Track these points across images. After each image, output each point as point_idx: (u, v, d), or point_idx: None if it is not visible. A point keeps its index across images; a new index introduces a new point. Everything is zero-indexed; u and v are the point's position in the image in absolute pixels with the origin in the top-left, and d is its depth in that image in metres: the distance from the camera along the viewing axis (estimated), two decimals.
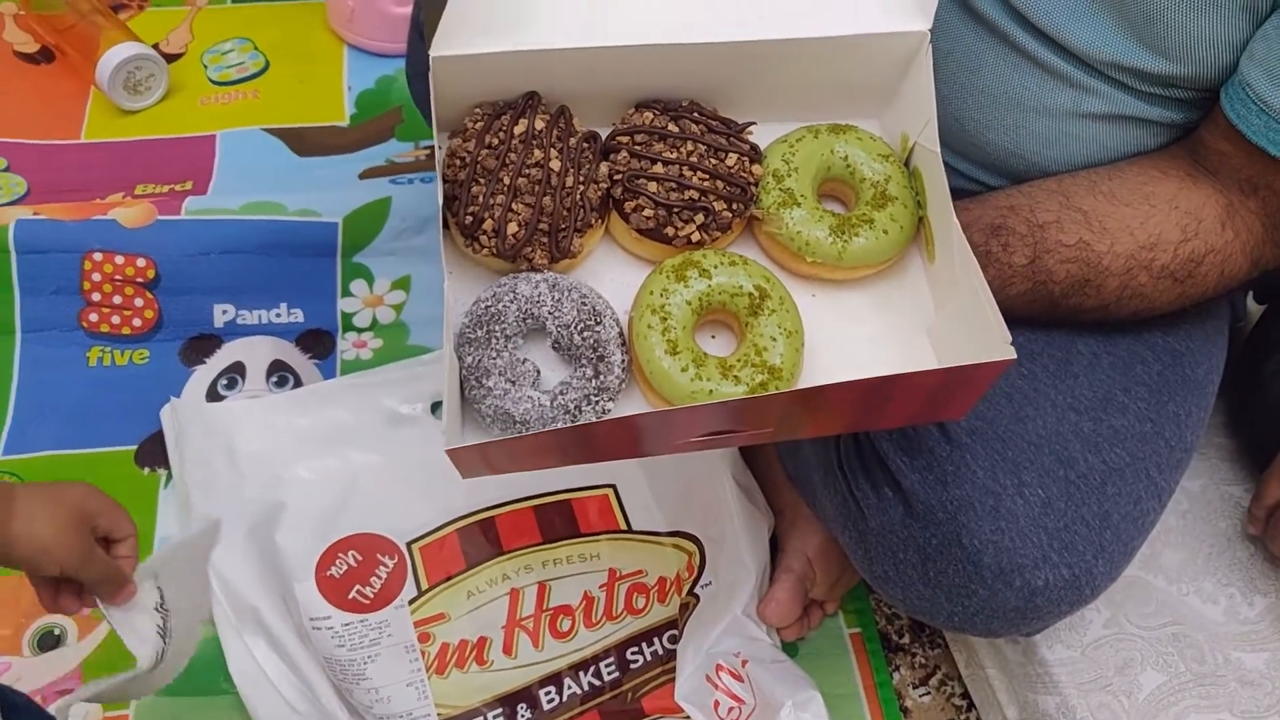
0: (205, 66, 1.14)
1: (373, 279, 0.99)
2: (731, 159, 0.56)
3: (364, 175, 1.03)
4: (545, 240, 0.53)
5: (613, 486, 0.90)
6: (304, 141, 1.08)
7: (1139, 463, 0.67)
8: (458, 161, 0.54)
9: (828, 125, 0.60)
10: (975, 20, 0.67)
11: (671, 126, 0.57)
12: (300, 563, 0.82)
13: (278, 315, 0.95)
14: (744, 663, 0.76)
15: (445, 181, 0.54)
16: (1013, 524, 0.63)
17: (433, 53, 0.52)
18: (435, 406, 0.92)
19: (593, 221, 0.55)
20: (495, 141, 0.54)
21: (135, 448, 0.87)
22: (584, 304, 0.53)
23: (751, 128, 0.59)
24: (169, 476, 0.86)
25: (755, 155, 0.58)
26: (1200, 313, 0.72)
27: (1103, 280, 0.66)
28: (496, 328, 0.53)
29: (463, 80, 0.54)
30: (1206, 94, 0.65)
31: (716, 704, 0.75)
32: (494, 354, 0.53)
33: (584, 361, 0.53)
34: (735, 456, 0.87)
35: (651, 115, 0.57)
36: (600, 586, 0.85)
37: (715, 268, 0.54)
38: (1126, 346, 0.70)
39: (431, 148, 1.03)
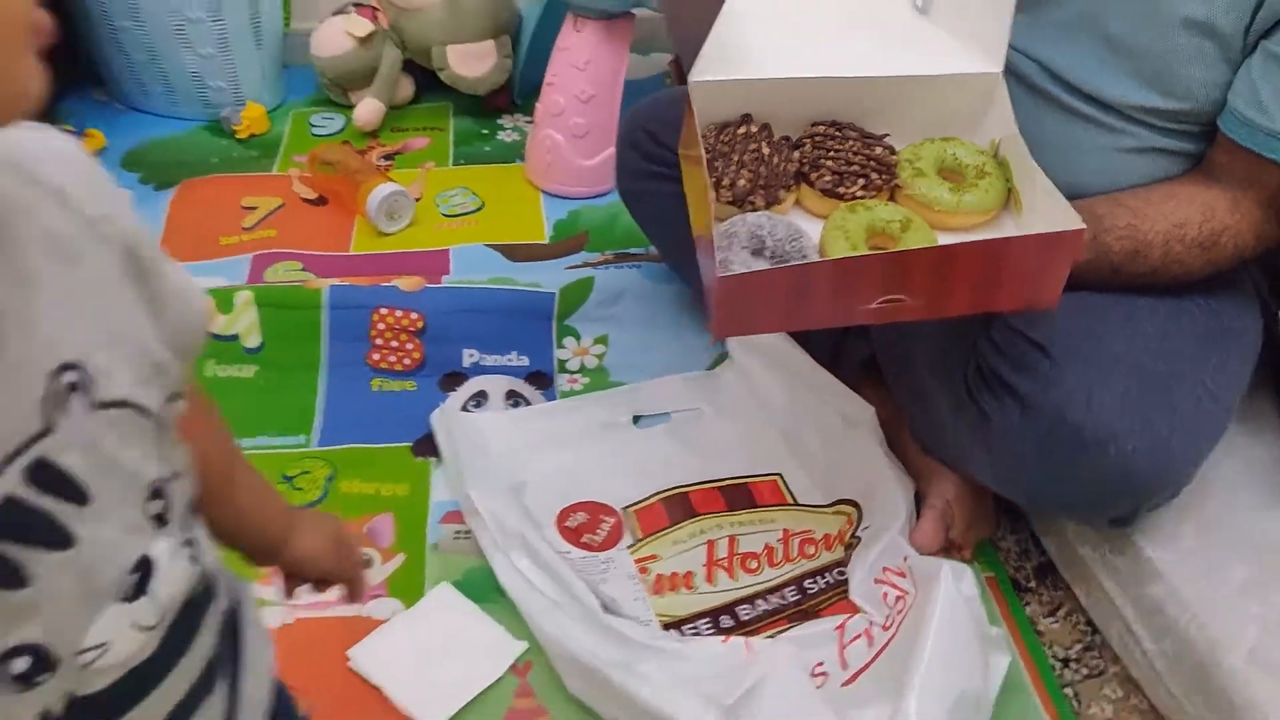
0: (437, 205, 1.53)
1: (580, 336, 1.30)
2: (878, 149, 0.88)
3: (568, 268, 1.38)
4: (762, 191, 0.85)
5: (779, 474, 1.16)
6: (516, 252, 1.44)
7: (1195, 374, 0.92)
8: (707, 148, 0.87)
9: (940, 136, 0.92)
10: (1033, 91, 1.00)
11: (836, 133, 0.89)
12: (544, 516, 1.08)
13: (510, 359, 1.27)
14: (904, 559, 0.98)
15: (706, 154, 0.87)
16: (1102, 407, 0.88)
17: (691, 79, 0.86)
18: (636, 419, 1.21)
19: (789, 184, 0.87)
20: (727, 138, 0.87)
21: (411, 444, 1.17)
22: (790, 226, 0.84)
23: (886, 137, 0.91)
24: (438, 461, 1.15)
25: (892, 150, 0.90)
26: (1227, 284, 0.99)
27: (1148, 250, 0.94)
28: (735, 243, 0.83)
29: (707, 101, 0.87)
30: (1208, 126, 0.95)
31: (885, 595, 0.97)
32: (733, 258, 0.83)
33: (793, 262, 0.82)
34: (880, 436, 1.12)
35: (823, 126, 0.90)
36: (778, 540, 1.09)
37: (875, 207, 0.85)
38: (1174, 303, 0.97)
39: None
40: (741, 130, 0.88)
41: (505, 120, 1.76)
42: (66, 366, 0.37)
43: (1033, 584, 1.07)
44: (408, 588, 1.02)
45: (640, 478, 1.14)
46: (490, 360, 1.26)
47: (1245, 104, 0.89)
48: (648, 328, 1.32)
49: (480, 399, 1.23)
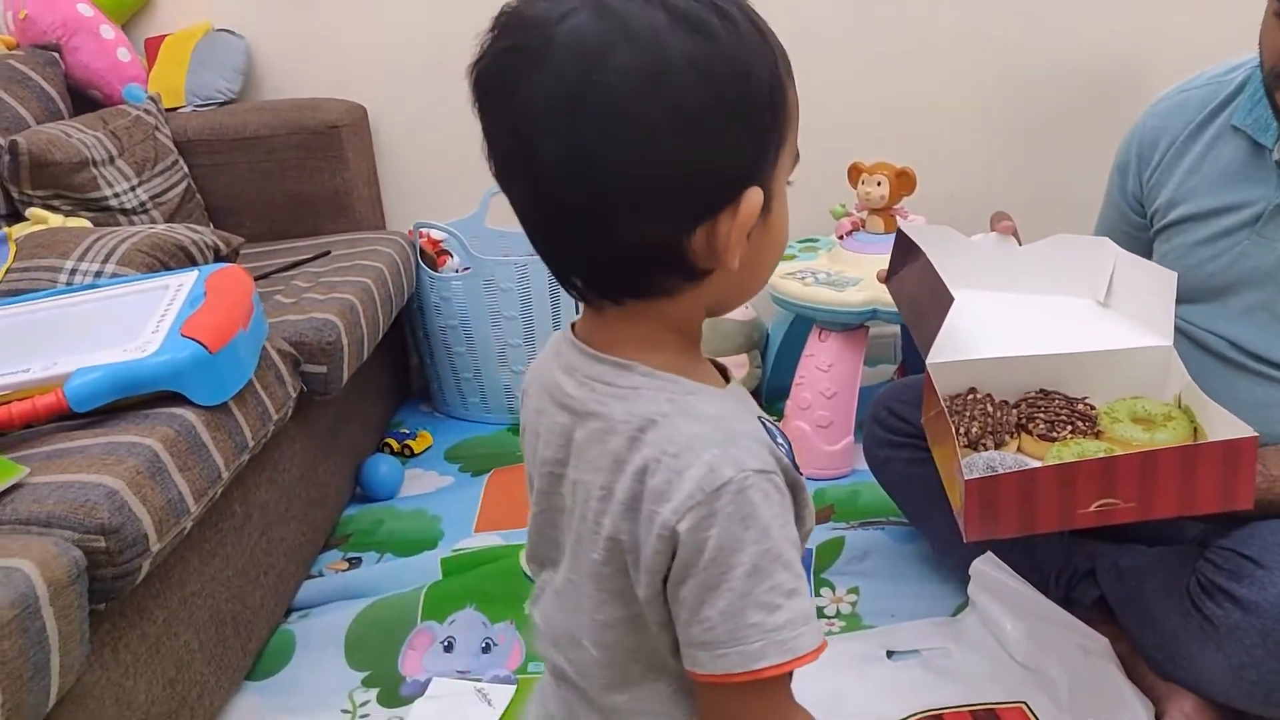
0: None
1: (835, 588, 1.56)
2: (1080, 406, 1.17)
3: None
4: (991, 436, 1.14)
5: (1024, 702, 1.34)
6: None
7: None
8: (948, 412, 1.18)
9: (1130, 396, 1.19)
10: (1225, 362, 1.26)
11: (1044, 397, 1.19)
12: None
13: None
14: None
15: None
16: None
17: (929, 361, 1.19)
18: (889, 653, 1.43)
19: (1013, 432, 1.16)
20: (959, 403, 1.18)
21: None
22: (1017, 458, 1.12)
23: (1086, 398, 1.20)
24: None
25: (1092, 406, 1.18)
26: None
27: None
28: (974, 470, 1.11)
29: (941, 378, 1.20)
30: None
31: None
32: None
33: None
34: (1117, 663, 1.30)
35: (1033, 394, 1.20)
36: None
37: (1085, 443, 1.13)
38: None
39: None
40: (970, 396, 1.20)
41: (731, 374, 2.12)
42: None
43: None
44: None
45: (895, 701, 1.35)
46: None
47: None
48: (895, 580, 1.56)
49: None
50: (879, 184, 1.87)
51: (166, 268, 1.51)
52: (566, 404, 0.65)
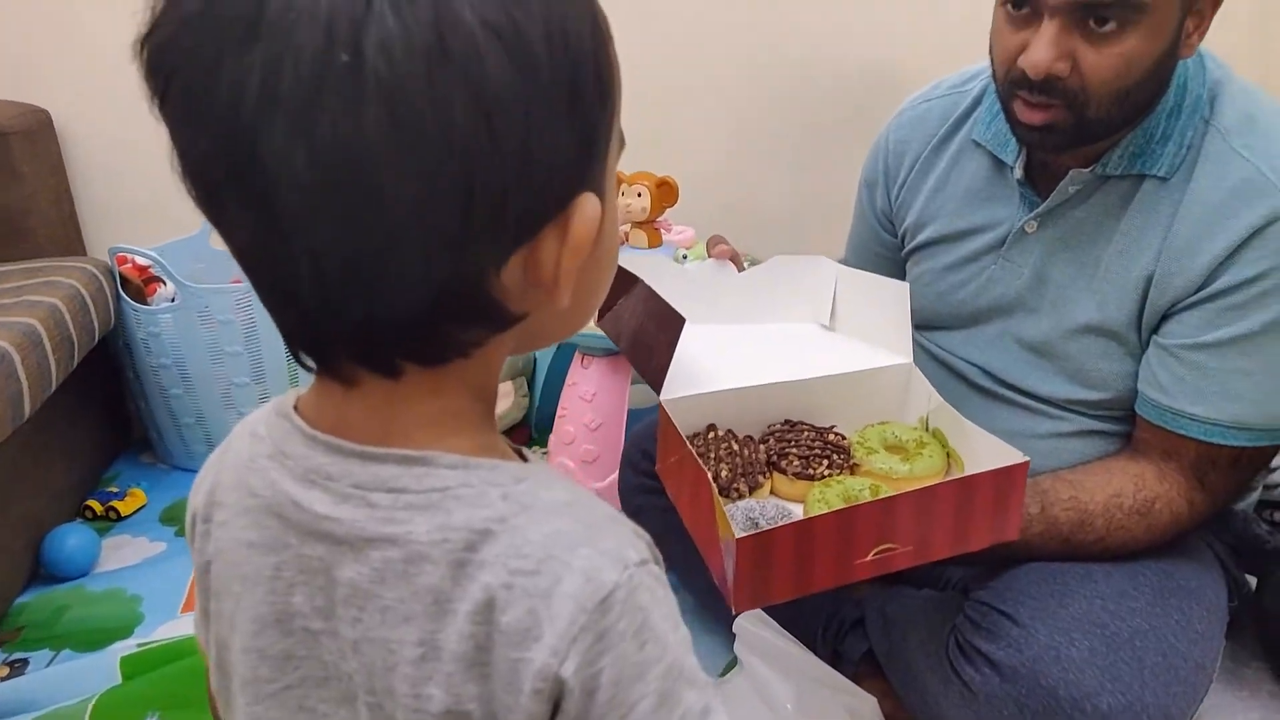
0: None
1: None
2: (830, 436, 1.06)
3: None
4: (743, 479, 1.01)
5: None
6: None
7: (1157, 630, 1.02)
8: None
9: (878, 421, 1.09)
10: (981, 391, 1.19)
11: (791, 429, 1.07)
12: None
13: None
14: None
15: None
16: (1072, 665, 0.98)
17: (662, 398, 1.05)
18: None
19: (765, 471, 1.03)
20: (700, 443, 1.05)
21: None
22: (778, 506, 1.00)
23: (834, 427, 1.09)
24: None
25: (843, 435, 1.07)
26: (1181, 550, 1.11)
27: (1092, 520, 1.07)
28: (734, 525, 0.98)
29: (679, 414, 1.06)
30: (1130, 410, 1.12)
31: None
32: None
33: None
34: None
35: (779, 425, 1.08)
36: None
37: (845, 480, 1.01)
38: (1129, 566, 1.08)
39: None
40: (711, 435, 1.06)
41: (525, 452, 1.96)
42: None
43: None
44: None
45: None
46: None
47: (1150, 387, 1.07)
48: None
49: None
50: (639, 195, 1.74)
51: None
52: (318, 530, 0.47)
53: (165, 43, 0.40)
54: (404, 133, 0.38)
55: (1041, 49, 0.95)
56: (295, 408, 0.49)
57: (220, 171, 0.40)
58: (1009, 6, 0.98)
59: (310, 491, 0.47)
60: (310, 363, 0.45)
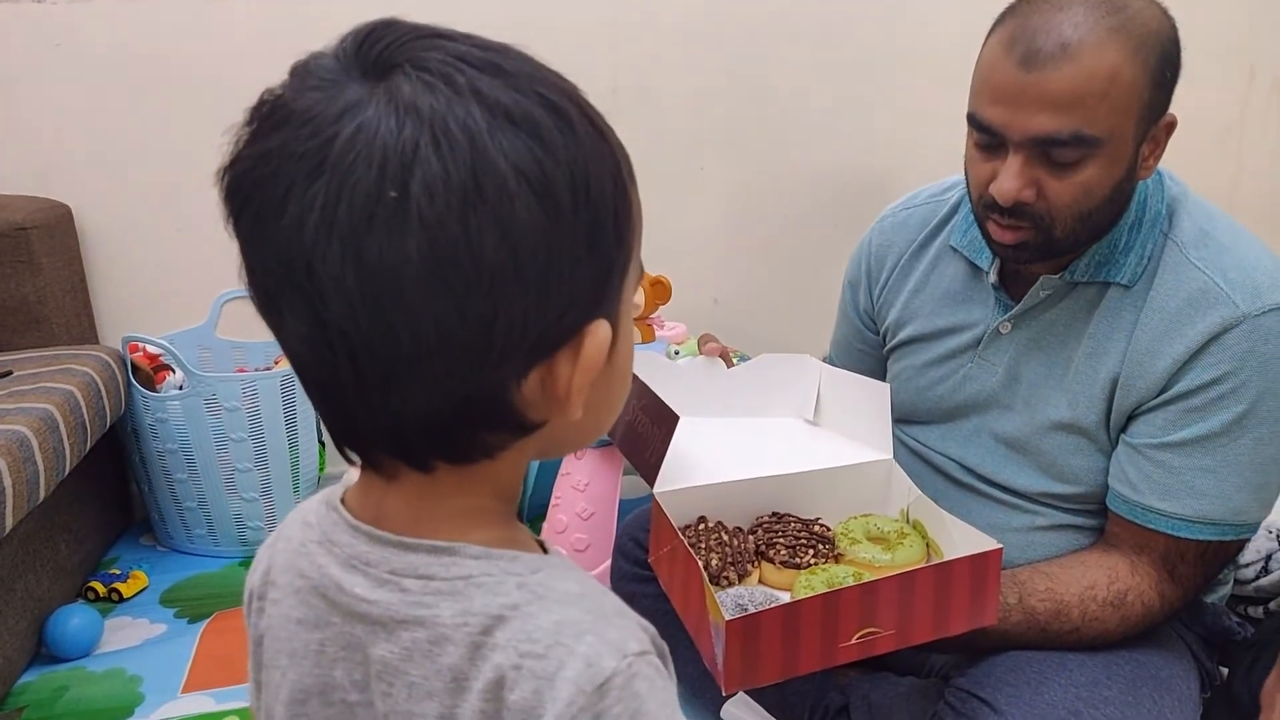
0: None
1: None
2: (816, 527, 1.12)
3: None
4: (732, 567, 1.07)
5: None
6: None
7: (1128, 719, 1.06)
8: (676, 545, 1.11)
9: (861, 513, 1.15)
10: (958, 485, 1.25)
11: (777, 521, 1.13)
12: None
13: None
14: None
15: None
16: None
17: (655, 490, 1.11)
18: None
19: (753, 560, 1.09)
20: (690, 534, 1.11)
21: None
22: (766, 593, 1.06)
23: (819, 519, 1.15)
24: None
25: (827, 527, 1.14)
26: (1154, 640, 1.16)
27: (1068, 610, 1.13)
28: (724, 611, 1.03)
29: (671, 507, 1.12)
30: (1102, 505, 1.19)
31: None
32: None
33: None
34: None
35: (766, 517, 1.14)
36: None
37: (830, 568, 1.07)
38: (1103, 656, 1.13)
39: None
40: (701, 526, 1.13)
41: (546, 544, 2.01)
42: None
43: None
44: None
45: None
46: None
47: (1120, 483, 1.13)
48: None
49: None
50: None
51: None
52: (357, 611, 0.52)
53: (244, 173, 0.46)
54: (439, 260, 0.44)
55: (1009, 180, 1.04)
56: (342, 500, 0.56)
57: (281, 283, 0.46)
58: (979, 138, 1.08)
59: (352, 575, 0.52)
60: (355, 457, 0.52)
